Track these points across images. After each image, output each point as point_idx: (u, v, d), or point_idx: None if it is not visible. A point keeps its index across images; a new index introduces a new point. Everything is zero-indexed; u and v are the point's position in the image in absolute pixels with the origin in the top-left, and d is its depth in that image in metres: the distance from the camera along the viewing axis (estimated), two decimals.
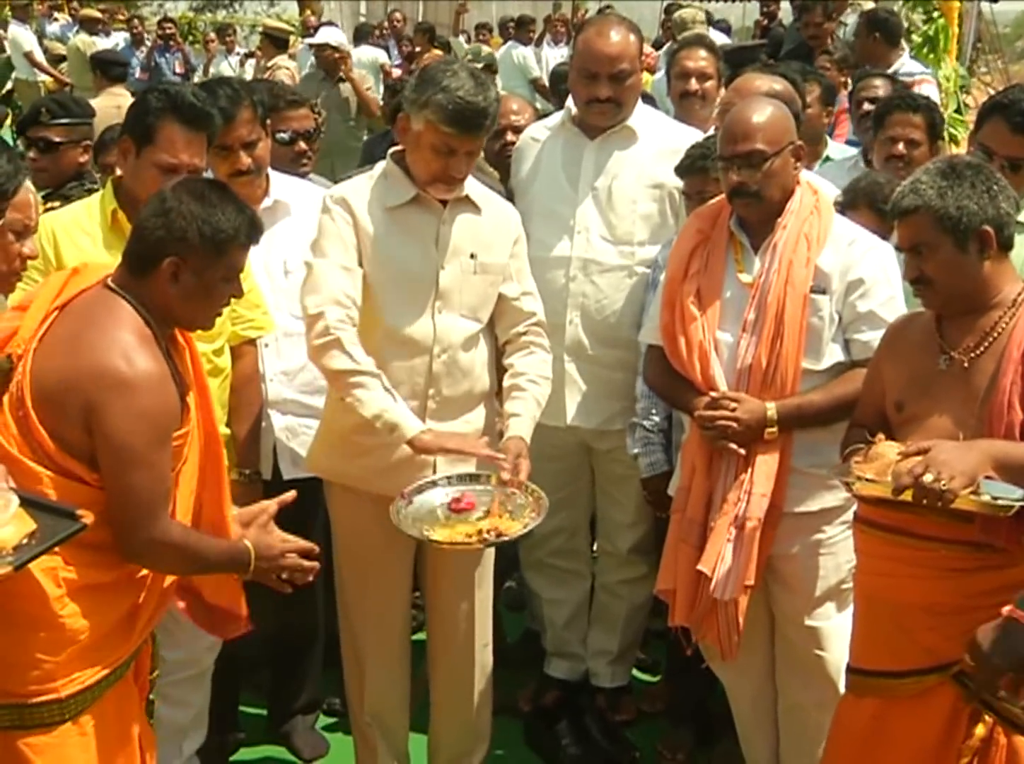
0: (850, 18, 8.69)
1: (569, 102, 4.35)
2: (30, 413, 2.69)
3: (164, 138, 3.46)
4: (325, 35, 9.83)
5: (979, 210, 2.93)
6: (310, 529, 3.24)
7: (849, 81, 6.47)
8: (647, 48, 6.55)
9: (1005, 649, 2.72)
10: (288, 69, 10.38)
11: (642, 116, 4.31)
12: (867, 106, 5.50)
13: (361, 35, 14.33)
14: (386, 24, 16.98)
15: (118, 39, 16.17)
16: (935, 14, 8.90)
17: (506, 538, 3.33)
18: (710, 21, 10.48)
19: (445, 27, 18.12)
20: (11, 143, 7.03)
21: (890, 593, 3.09)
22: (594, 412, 4.29)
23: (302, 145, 4.60)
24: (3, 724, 2.71)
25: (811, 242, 3.51)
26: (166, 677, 3.62)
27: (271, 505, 3.12)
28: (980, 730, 2.99)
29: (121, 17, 18.04)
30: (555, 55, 14.62)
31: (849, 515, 3.36)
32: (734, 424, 3.45)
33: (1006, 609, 2.74)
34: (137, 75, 14.54)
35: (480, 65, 8.44)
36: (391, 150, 3.71)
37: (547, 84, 10.99)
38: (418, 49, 13.92)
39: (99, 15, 16.60)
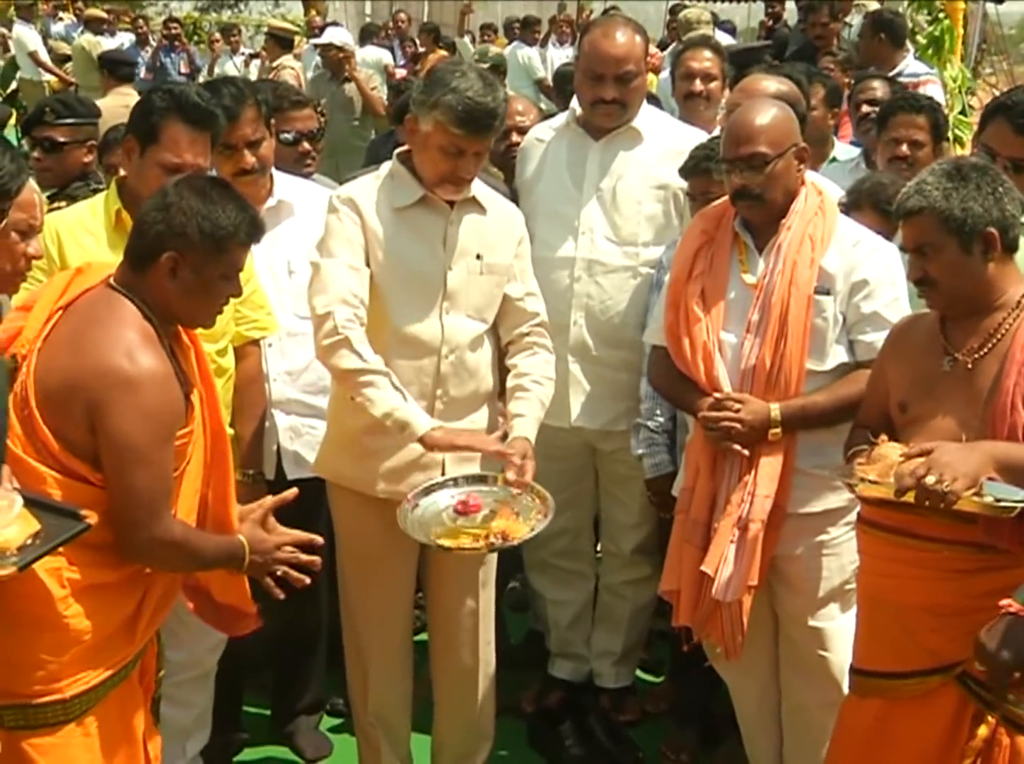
0: (855, 19, 8.68)
1: (574, 103, 4.35)
2: (34, 413, 2.70)
3: (168, 138, 3.46)
4: (330, 35, 9.87)
5: (984, 212, 2.93)
6: (314, 529, 3.24)
7: (852, 82, 6.47)
8: (652, 49, 6.53)
9: (1012, 644, 2.70)
10: (293, 69, 10.40)
11: (647, 117, 4.31)
12: (865, 108, 5.50)
13: (367, 35, 14.34)
14: (391, 24, 16.99)
15: (123, 39, 16.18)
16: (940, 15, 8.89)
17: (513, 542, 3.34)
18: (715, 22, 10.46)
19: (450, 27, 18.13)
20: (16, 143, 7.04)
21: (893, 594, 3.09)
22: (598, 413, 4.29)
23: (306, 145, 4.61)
24: (8, 724, 2.72)
25: (815, 243, 3.51)
26: (170, 678, 3.61)
27: (267, 500, 3.12)
28: (983, 731, 2.98)
29: (127, 19, 18.03)
30: (560, 56, 14.60)
31: (853, 516, 3.35)
32: (738, 425, 3.45)
33: (1005, 603, 2.73)
34: (142, 75, 14.53)
35: (486, 66, 8.45)
36: (397, 151, 3.71)
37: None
38: (423, 50, 13.94)
39: (104, 15, 16.61)
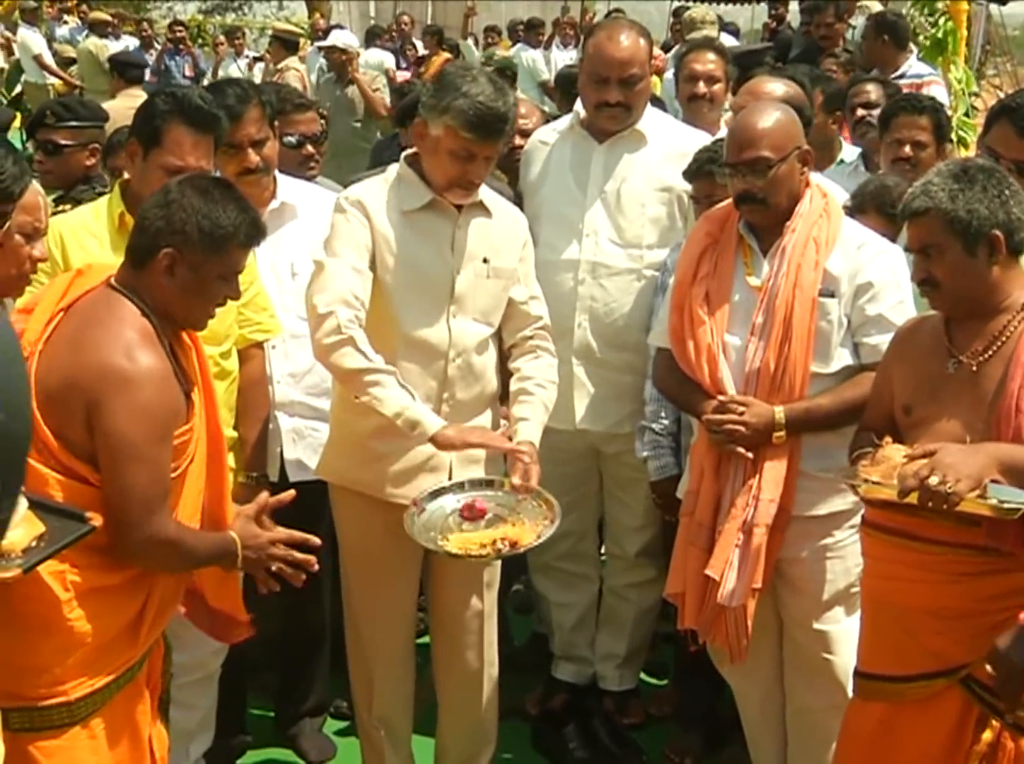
0: (858, 21, 8.69)
1: (577, 105, 4.35)
2: (36, 414, 2.69)
3: (171, 141, 3.46)
4: (334, 38, 9.90)
5: (990, 214, 2.92)
6: (316, 531, 3.23)
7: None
8: (656, 51, 6.53)
9: None
10: (297, 71, 10.43)
11: (651, 119, 4.31)
12: (860, 111, 5.50)
13: (371, 37, 14.36)
14: (394, 27, 16.99)
15: (128, 42, 16.19)
16: (943, 18, 8.89)
17: (520, 549, 3.33)
18: (719, 23, 10.46)
19: (454, 29, 18.10)
20: (20, 146, 7.05)
21: (897, 597, 3.08)
22: (603, 415, 4.28)
23: (309, 148, 4.61)
24: (13, 727, 2.70)
25: (820, 245, 3.51)
26: (173, 680, 3.62)
27: (262, 497, 3.12)
28: (987, 735, 2.98)
29: (130, 28, 18.03)
30: (564, 58, 14.58)
31: (858, 519, 3.35)
32: (742, 428, 3.45)
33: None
34: (147, 78, 14.55)
35: (491, 68, 8.45)
36: (404, 154, 3.70)
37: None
38: (427, 52, 13.94)
39: (108, 18, 16.63)
